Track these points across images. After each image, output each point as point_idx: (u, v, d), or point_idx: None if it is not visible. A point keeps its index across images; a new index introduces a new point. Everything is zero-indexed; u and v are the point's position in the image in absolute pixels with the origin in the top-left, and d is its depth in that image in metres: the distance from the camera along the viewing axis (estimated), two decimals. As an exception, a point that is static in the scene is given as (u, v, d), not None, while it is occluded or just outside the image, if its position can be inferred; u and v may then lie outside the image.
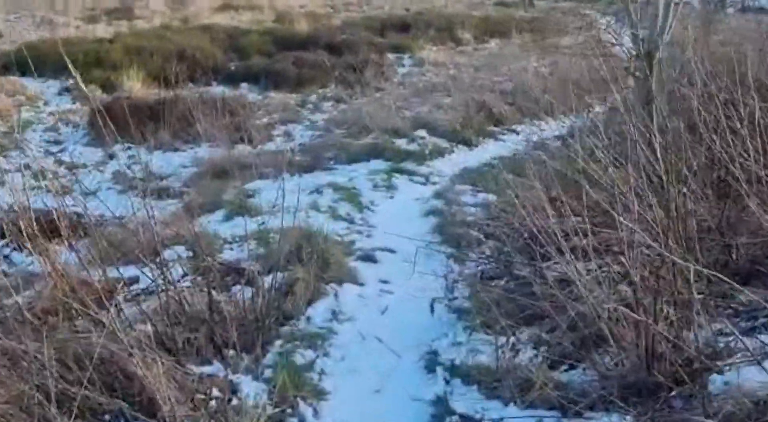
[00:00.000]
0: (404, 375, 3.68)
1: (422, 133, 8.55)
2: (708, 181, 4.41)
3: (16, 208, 3.93)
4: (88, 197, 5.53)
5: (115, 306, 3.61)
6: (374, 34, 16.73)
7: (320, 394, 3.48)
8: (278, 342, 3.83)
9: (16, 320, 3.33)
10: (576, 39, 10.53)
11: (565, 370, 3.39)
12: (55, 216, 3.93)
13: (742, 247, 4.01)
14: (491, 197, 6.22)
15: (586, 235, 3.53)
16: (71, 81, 10.81)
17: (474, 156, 8.20)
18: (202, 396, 3.22)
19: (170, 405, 2.93)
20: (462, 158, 8.08)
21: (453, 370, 3.60)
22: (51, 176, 5.39)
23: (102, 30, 16.59)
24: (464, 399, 3.35)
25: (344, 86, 11.94)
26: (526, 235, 4.31)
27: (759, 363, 2.71)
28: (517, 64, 12.19)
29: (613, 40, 6.76)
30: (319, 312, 4.23)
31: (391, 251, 5.19)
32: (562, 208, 3.80)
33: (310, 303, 4.27)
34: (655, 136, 3.64)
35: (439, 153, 8.08)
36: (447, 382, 3.53)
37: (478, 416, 3.21)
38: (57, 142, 9.45)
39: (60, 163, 8.40)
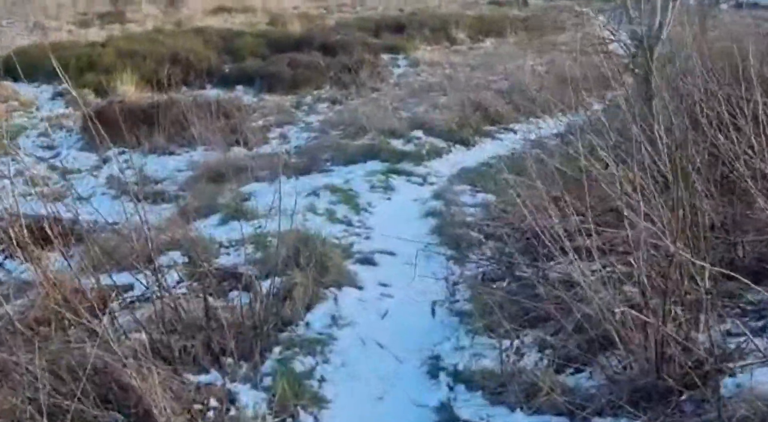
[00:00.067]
0: (406, 381, 3.60)
1: (419, 133, 8.47)
2: (711, 178, 4.34)
3: (6, 215, 3.84)
4: (82, 203, 5.47)
5: (109, 314, 3.52)
6: (368, 34, 16.63)
7: (321, 402, 3.40)
8: (277, 349, 3.75)
9: (7, 330, 3.24)
10: (572, 36, 10.46)
11: (572, 374, 3.32)
12: (46, 224, 3.83)
13: (749, 245, 3.95)
14: (490, 197, 6.15)
15: (589, 235, 3.46)
16: (65, 86, 10.70)
17: (472, 155, 8.12)
18: (200, 407, 3.14)
19: (166, 417, 2.85)
20: (459, 158, 8.00)
21: (456, 375, 3.53)
22: (43, 182, 5.32)
23: (94, 34, 16.45)
24: (469, 405, 3.28)
25: (339, 87, 11.85)
26: (527, 235, 4.24)
27: (773, 365, 2.64)
28: (512, 62, 12.10)
29: (612, 37, 6.67)
30: (318, 317, 4.14)
31: (391, 253, 5.10)
32: (566, 207, 3.72)
33: (308, 308, 4.19)
34: (660, 135, 3.57)
35: (437, 153, 7.99)
36: (450, 388, 3.46)
37: (483, 423, 3.14)
38: (50, 147, 9.35)
39: (53, 168, 8.31)
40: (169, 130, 8.90)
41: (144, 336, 3.47)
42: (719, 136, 4.02)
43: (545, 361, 3.42)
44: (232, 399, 3.27)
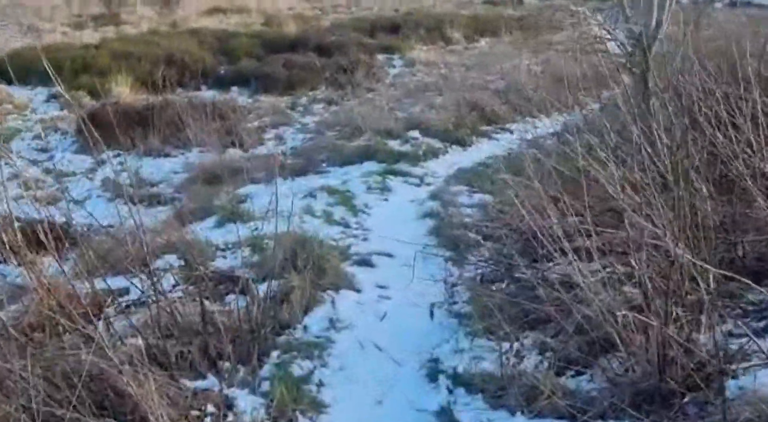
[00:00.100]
0: (406, 385, 3.56)
1: (415, 133, 8.45)
2: (710, 177, 4.31)
3: (0, 219, 3.80)
4: (77, 206, 5.43)
5: (104, 319, 3.48)
6: (364, 35, 16.60)
7: (319, 407, 3.36)
8: (275, 353, 3.71)
9: (1, 336, 3.20)
10: (569, 36, 10.43)
11: (572, 376, 3.28)
12: (39, 228, 3.78)
13: (748, 245, 3.92)
14: (488, 198, 6.13)
15: (589, 235, 3.43)
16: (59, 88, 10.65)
17: (468, 156, 8.09)
18: (197, 413, 3.10)
19: (163, 423, 2.81)
20: (456, 158, 7.97)
21: (456, 378, 3.49)
22: (37, 185, 5.28)
23: (89, 36, 16.39)
24: (469, 409, 3.24)
25: (335, 88, 11.81)
26: (526, 236, 4.20)
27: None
28: (508, 62, 12.08)
29: (608, 36, 6.65)
30: (316, 320, 4.10)
31: (388, 255, 5.07)
32: (565, 207, 3.69)
33: (306, 311, 4.15)
34: (659, 135, 3.54)
35: (433, 153, 7.96)
36: (450, 391, 3.42)
37: (484, 426, 3.11)
38: (45, 150, 9.30)
39: (48, 171, 8.26)
40: (165, 132, 8.86)
41: (140, 341, 3.42)
42: (718, 134, 3.99)
43: (545, 364, 3.39)
44: (229, 404, 3.24)
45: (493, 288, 4.30)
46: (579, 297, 3.33)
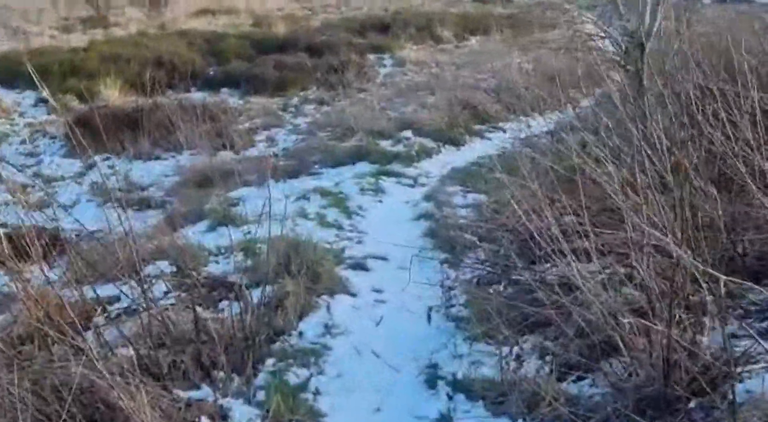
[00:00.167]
0: (404, 392, 3.49)
1: (408, 133, 8.39)
2: (708, 175, 4.26)
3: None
4: (66, 211, 5.33)
5: (94, 330, 3.39)
6: (354, 34, 16.53)
7: (317, 416, 3.29)
8: (270, 361, 3.63)
9: (-12, 349, 3.11)
10: (561, 33, 10.40)
11: (574, 381, 3.22)
12: (27, 235, 3.69)
13: (748, 243, 3.87)
14: (482, 198, 6.08)
15: (587, 236, 3.37)
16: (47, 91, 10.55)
17: (461, 155, 8.04)
18: (191, 424, 3.02)
19: (156, 437, 2.73)
20: (449, 158, 7.92)
21: (455, 384, 3.43)
22: (24, 191, 5.19)
23: (77, 39, 16.24)
24: (469, 416, 3.18)
25: (326, 88, 11.75)
26: (522, 237, 4.14)
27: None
28: (499, 60, 12.04)
29: (601, 34, 6.60)
30: (311, 326, 4.03)
31: (383, 258, 5.00)
32: (562, 208, 3.63)
33: (301, 317, 4.07)
34: (656, 133, 3.48)
35: (426, 153, 7.90)
36: (450, 398, 3.36)
37: (485, 434, 3.05)
38: (33, 155, 9.20)
39: (36, 175, 8.15)
40: (155, 135, 8.77)
41: (131, 351, 3.34)
42: (716, 133, 3.93)
43: (546, 368, 3.32)
44: (224, 415, 3.16)
45: (491, 290, 4.24)
46: (579, 300, 3.27)
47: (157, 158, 8.56)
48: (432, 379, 3.54)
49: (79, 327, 3.06)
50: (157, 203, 7.01)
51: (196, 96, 11.36)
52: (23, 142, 9.65)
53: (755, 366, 2.74)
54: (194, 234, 5.48)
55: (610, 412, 2.85)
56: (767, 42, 5.48)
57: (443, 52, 15.51)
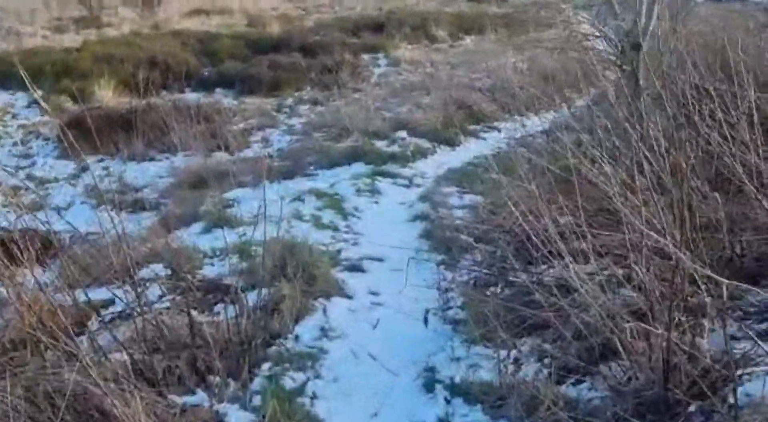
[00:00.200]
0: (402, 396, 3.46)
1: (403, 134, 8.36)
2: (705, 176, 4.24)
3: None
4: (59, 213, 5.29)
5: (88, 335, 3.36)
6: (348, 34, 16.48)
7: (314, 421, 3.26)
8: (266, 365, 3.60)
9: (-20, 355, 3.07)
10: (556, 33, 10.39)
11: (573, 384, 3.20)
12: (19, 238, 3.64)
13: (746, 244, 3.85)
14: (478, 198, 6.05)
15: (584, 237, 3.35)
16: (41, 93, 10.48)
17: (457, 155, 8.02)
18: (186, 430, 2.99)
19: (151, 444, 2.70)
20: (445, 158, 7.90)
21: (453, 388, 3.40)
22: (17, 193, 5.14)
23: (70, 39, 16.15)
24: (468, 420, 3.16)
25: (320, 88, 11.72)
26: (519, 238, 4.11)
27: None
28: (494, 60, 12.01)
29: (596, 33, 6.58)
30: (307, 329, 4.00)
31: (379, 260, 4.98)
32: (558, 208, 3.60)
33: (297, 320, 4.04)
34: (653, 134, 3.46)
35: (422, 154, 7.88)
36: (448, 402, 3.33)
37: (484, 439, 3.02)
38: (26, 156, 9.15)
39: (30, 178, 8.11)
40: (149, 136, 8.75)
41: (125, 356, 3.30)
42: (710, 131, 3.92)
43: (545, 371, 3.30)
44: (220, 420, 3.13)
45: (488, 292, 4.21)
46: (577, 302, 3.25)
47: (152, 159, 8.53)
48: (430, 383, 3.51)
49: (72, 332, 3.02)
50: (151, 205, 6.98)
51: (191, 96, 11.33)
52: (16, 143, 9.59)
53: (755, 369, 2.72)
54: (189, 236, 5.45)
55: (610, 416, 2.83)
56: (763, 41, 5.49)
57: (438, 52, 15.47)
